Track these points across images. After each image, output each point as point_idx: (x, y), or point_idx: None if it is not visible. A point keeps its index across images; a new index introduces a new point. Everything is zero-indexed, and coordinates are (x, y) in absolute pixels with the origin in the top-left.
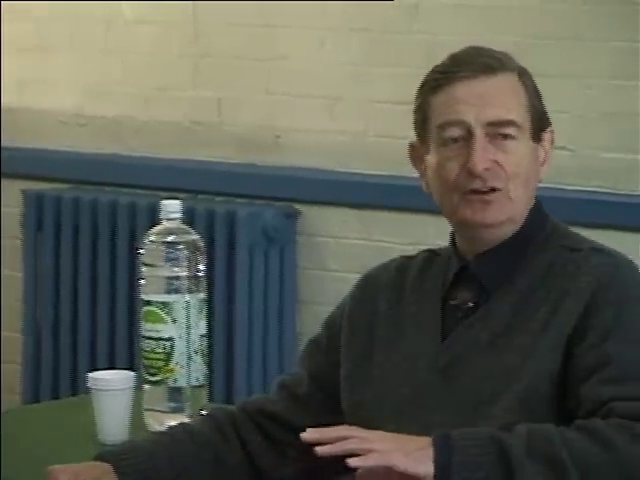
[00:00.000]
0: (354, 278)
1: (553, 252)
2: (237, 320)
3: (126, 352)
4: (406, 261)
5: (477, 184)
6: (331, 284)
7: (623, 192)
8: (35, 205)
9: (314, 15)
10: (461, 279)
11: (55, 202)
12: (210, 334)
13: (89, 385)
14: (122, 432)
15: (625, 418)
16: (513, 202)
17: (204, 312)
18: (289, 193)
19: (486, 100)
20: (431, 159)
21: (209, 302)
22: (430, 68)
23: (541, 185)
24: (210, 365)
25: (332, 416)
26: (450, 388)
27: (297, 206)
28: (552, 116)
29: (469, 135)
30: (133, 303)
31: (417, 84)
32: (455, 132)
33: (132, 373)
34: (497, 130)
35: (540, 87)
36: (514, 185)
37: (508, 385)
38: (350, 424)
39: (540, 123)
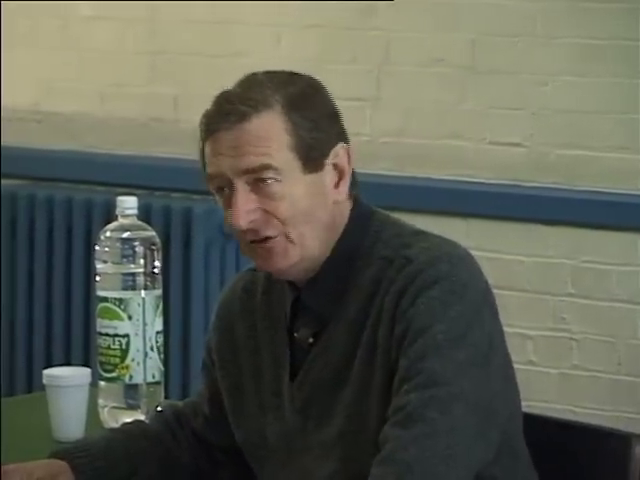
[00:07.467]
0: None
1: (375, 267)
2: (193, 317)
3: (82, 349)
4: (250, 277)
5: (250, 236)
6: None
7: (579, 188)
8: None
9: (270, 11)
10: (299, 309)
11: (11, 199)
12: (166, 331)
13: (45, 382)
14: (78, 429)
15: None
16: (296, 244)
17: (160, 309)
18: None
19: (238, 150)
20: None
21: (165, 299)
22: (386, 65)
23: (497, 182)
24: (166, 362)
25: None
26: (314, 429)
27: None
28: (507, 113)
29: (232, 186)
30: (89, 300)
31: (373, 81)
32: (218, 183)
33: (88, 370)
34: (256, 176)
35: (495, 84)
36: (292, 227)
37: (359, 422)
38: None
39: (316, 152)
